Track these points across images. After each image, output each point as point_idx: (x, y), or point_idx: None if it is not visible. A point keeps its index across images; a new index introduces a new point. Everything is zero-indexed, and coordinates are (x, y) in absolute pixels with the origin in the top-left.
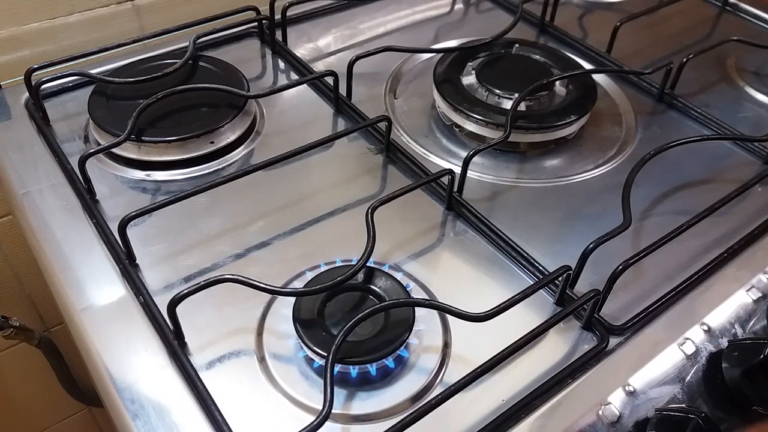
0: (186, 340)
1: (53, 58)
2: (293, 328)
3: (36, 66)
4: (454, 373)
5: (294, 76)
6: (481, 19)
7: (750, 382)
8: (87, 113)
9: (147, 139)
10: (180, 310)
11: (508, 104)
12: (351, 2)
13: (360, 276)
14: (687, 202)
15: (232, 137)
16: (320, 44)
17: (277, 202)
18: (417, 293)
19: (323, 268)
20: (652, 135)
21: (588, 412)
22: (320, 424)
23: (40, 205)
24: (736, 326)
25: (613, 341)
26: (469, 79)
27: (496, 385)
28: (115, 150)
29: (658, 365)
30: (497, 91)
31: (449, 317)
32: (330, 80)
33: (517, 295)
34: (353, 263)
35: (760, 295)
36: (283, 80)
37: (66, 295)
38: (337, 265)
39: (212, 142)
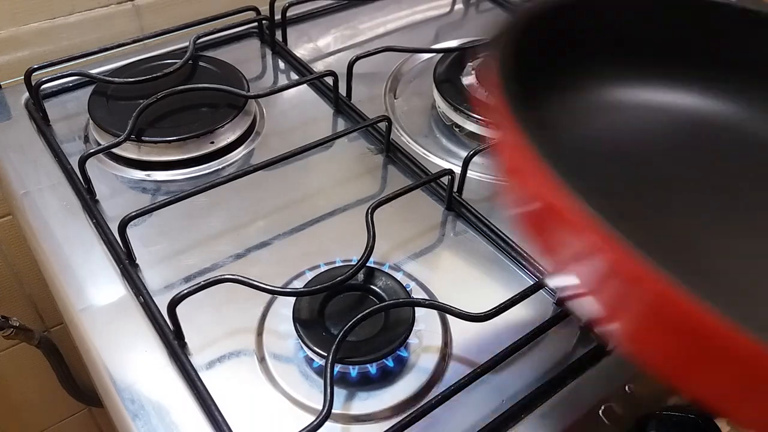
0: (186, 339)
1: (53, 58)
2: (293, 328)
3: (36, 66)
4: (454, 373)
5: (294, 77)
6: (482, 19)
7: None
8: (87, 113)
9: (147, 139)
10: (180, 309)
11: None
12: (351, 2)
13: (360, 276)
14: None
15: (232, 137)
16: (320, 44)
17: (277, 202)
18: (417, 293)
19: (323, 268)
20: None
21: (588, 412)
22: (320, 424)
23: (40, 205)
24: None
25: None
26: (469, 79)
27: (496, 385)
28: (115, 150)
29: None
30: None
31: (449, 317)
32: (330, 80)
33: (516, 295)
34: (353, 263)
35: None
36: (283, 80)
37: (66, 295)
38: (337, 265)
39: (212, 142)
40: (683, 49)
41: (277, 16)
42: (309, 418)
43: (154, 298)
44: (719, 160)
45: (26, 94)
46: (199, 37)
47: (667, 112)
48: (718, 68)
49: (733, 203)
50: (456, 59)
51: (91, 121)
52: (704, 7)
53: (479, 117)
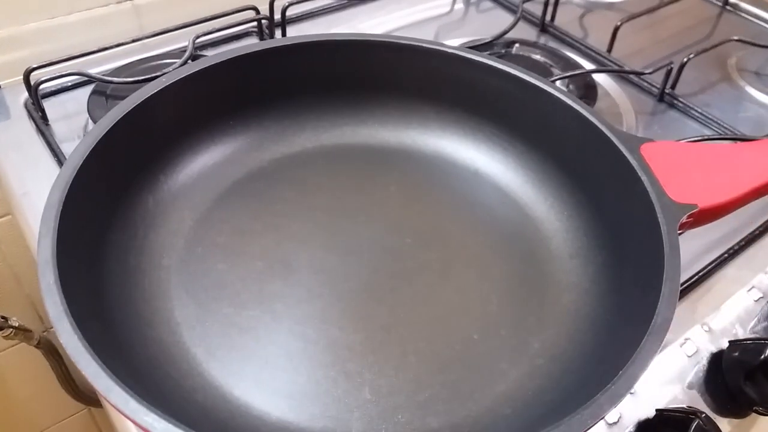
0: None
1: (52, 57)
2: None
3: (35, 65)
4: None
5: None
6: (482, 18)
7: (751, 383)
8: (86, 113)
9: None
10: None
11: None
12: (351, 2)
13: None
14: None
15: None
16: None
17: None
18: None
19: None
20: (652, 135)
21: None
22: None
23: (39, 205)
24: (736, 326)
25: None
26: None
27: None
28: None
29: (659, 365)
30: None
31: None
32: None
33: None
34: None
35: (760, 295)
36: None
37: None
38: None
39: None
40: None
41: (277, 16)
42: None
43: None
44: None
45: (25, 94)
46: (199, 37)
47: None
48: None
49: None
50: None
51: (90, 121)
52: None
53: None
